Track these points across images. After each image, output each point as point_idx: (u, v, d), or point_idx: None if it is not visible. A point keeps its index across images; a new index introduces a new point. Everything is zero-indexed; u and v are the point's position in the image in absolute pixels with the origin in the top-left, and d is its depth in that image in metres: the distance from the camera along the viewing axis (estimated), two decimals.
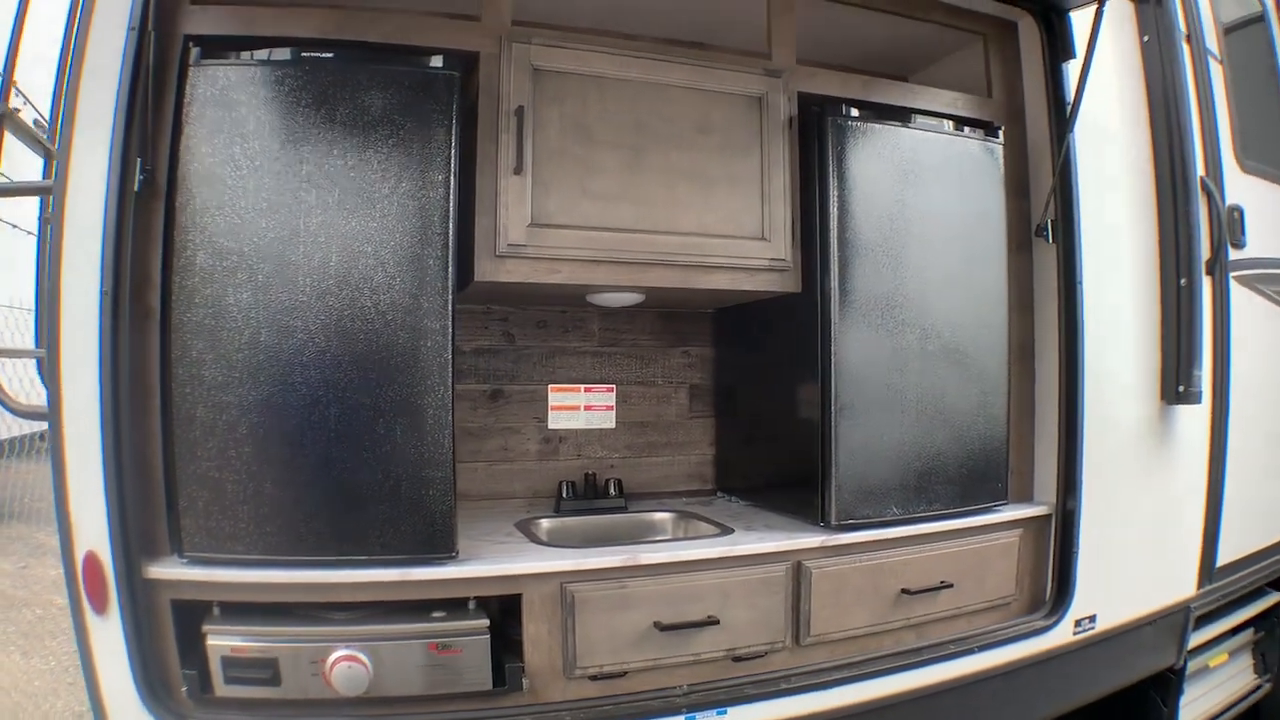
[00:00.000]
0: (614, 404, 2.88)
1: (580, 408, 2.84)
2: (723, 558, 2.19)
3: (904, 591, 2.39)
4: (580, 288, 2.37)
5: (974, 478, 2.53)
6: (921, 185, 2.47)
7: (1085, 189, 2.63)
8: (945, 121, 2.54)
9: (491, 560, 2.02)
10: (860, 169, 2.39)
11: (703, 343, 3.00)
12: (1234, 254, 3.02)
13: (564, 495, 2.70)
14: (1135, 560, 2.80)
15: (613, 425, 2.88)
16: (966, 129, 2.56)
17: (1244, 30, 3.40)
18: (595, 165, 2.23)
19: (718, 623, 2.14)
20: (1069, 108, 2.54)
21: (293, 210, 1.91)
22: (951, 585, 2.45)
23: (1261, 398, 3.21)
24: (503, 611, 2.03)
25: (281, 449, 1.87)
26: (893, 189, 2.43)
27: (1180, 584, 2.96)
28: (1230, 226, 3.00)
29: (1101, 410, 2.66)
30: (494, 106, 2.17)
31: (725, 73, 2.39)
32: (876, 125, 2.42)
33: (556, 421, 2.83)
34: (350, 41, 2.05)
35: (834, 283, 2.35)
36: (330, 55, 1.97)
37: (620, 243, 2.25)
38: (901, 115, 2.49)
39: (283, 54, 1.95)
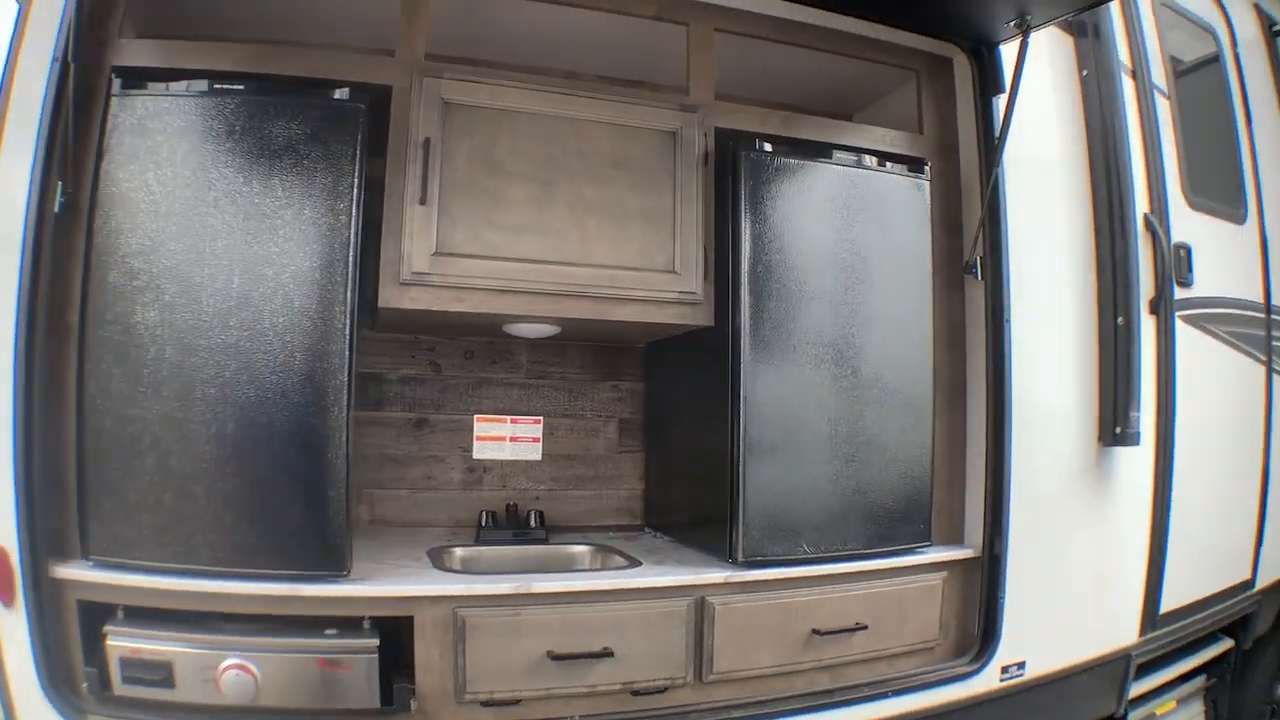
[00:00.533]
0: (540, 436, 2.87)
1: (506, 438, 2.82)
2: (618, 589, 2.16)
3: (815, 632, 2.33)
4: (491, 317, 2.37)
5: (895, 518, 2.48)
6: (843, 221, 2.44)
7: (1019, 225, 2.60)
8: (868, 157, 2.51)
9: (383, 581, 2.03)
10: (776, 204, 2.38)
11: (634, 377, 2.98)
12: (1180, 293, 2.96)
13: (484, 525, 2.68)
14: (1071, 606, 2.73)
15: (539, 457, 2.87)
16: (891, 165, 2.53)
17: (1199, 70, 3.36)
18: (503, 197, 2.25)
19: (612, 655, 2.11)
20: (997, 141, 2.51)
21: (199, 233, 1.97)
22: (866, 627, 2.40)
23: (1211, 439, 3.13)
24: (400, 633, 2.02)
25: (181, 462, 1.91)
26: (811, 225, 2.41)
27: (1121, 631, 2.88)
28: (1176, 264, 2.94)
29: (1035, 451, 2.61)
30: (404, 139, 2.20)
31: (640, 108, 2.39)
32: (793, 160, 2.41)
33: (481, 452, 2.81)
34: (268, 75, 2.10)
35: (744, 317, 2.32)
36: (241, 87, 2.02)
37: (528, 273, 2.25)
38: (821, 151, 2.47)
39: (199, 85, 2.01)
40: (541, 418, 2.89)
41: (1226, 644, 3.41)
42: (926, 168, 2.60)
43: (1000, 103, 2.55)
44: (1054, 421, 2.66)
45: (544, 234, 2.27)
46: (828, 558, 2.38)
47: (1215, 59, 3.31)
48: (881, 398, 2.45)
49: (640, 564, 2.37)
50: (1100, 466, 2.74)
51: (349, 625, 1.97)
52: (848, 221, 2.45)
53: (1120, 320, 2.68)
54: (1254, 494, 3.36)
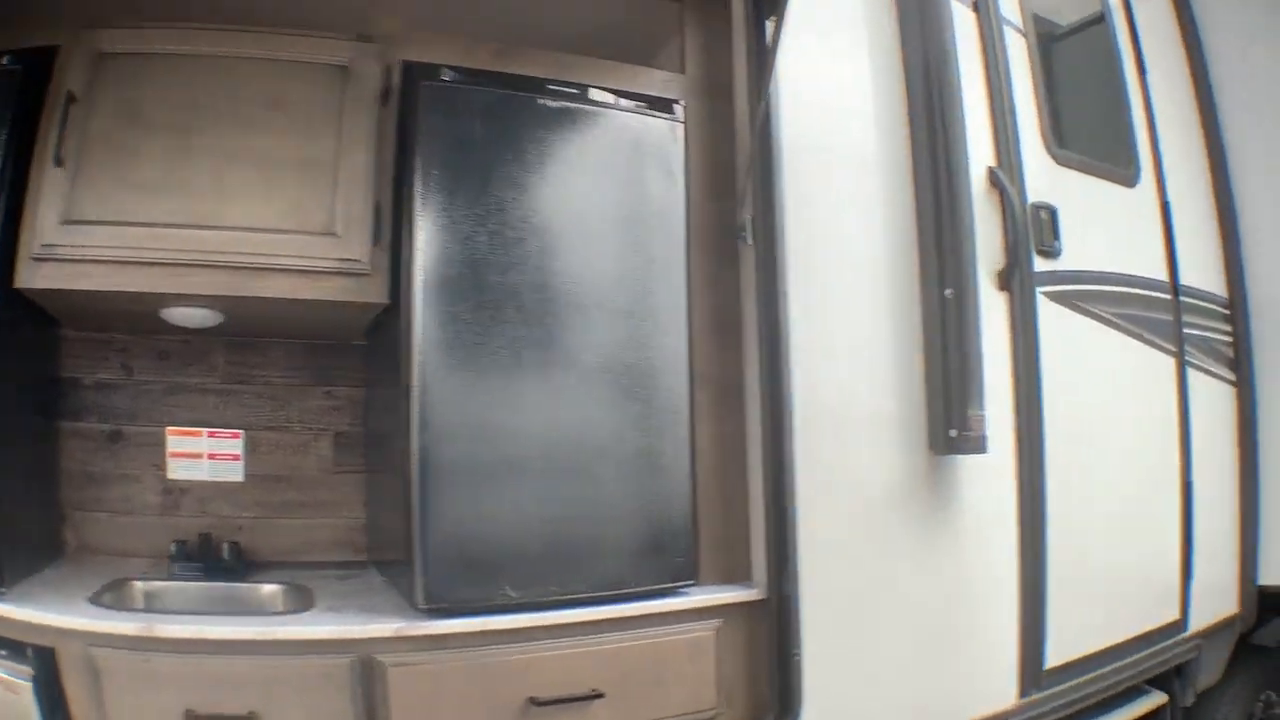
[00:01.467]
0: (241, 453, 2.36)
1: (204, 455, 2.32)
2: (258, 640, 1.70)
3: (534, 702, 1.78)
4: (128, 298, 1.92)
5: (641, 551, 1.94)
6: (562, 172, 1.97)
7: (807, 178, 2.08)
8: (604, 94, 2.02)
9: (32, 606, 1.71)
10: (467, 150, 1.89)
11: (352, 381, 2.43)
12: (1044, 264, 2.39)
13: (174, 556, 2.17)
14: (910, 661, 2.13)
15: (241, 478, 2.35)
16: (631, 104, 2.03)
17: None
18: (141, 151, 1.89)
19: None
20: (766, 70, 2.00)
21: None
22: (602, 695, 1.83)
23: (1107, 446, 2.53)
24: None
25: None
26: (518, 175, 1.91)
27: (990, 692, 2.27)
28: (1036, 229, 2.38)
29: (838, 464, 2.05)
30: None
31: (309, 40, 1.95)
32: (492, 93, 1.92)
33: (176, 470, 2.30)
34: None
35: (418, 294, 1.81)
36: None
37: (152, 239, 1.86)
38: (534, 86, 1.97)
39: None
40: (241, 432, 2.37)
41: (1157, 699, 2.75)
42: (678, 108, 2.09)
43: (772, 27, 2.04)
44: (863, 425, 2.09)
45: (177, 192, 1.87)
46: (543, 604, 1.83)
47: None
48: (615, 398, 1.92)
49: (309, 609, 1.85)
50: (934, 481, 2.16)
51: (15, 649, 1.69)
52: (568, 173, 1.97)
53: (949, 293, 2.12)
54: (1174, 513, 2.74)
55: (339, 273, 1.90)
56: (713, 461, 2.07)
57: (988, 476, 2.25)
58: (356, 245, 1.90)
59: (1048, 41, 2.68)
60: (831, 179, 2.13)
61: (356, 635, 1.71)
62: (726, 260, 2.10)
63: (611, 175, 2.02)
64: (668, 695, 1.91)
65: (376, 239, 1.92)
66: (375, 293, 1.93)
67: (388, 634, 1.72)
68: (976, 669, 2.25)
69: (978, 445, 2.09)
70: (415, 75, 1.92)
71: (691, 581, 1.97)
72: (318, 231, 1.89)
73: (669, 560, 1.95)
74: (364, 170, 1.92)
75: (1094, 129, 2.74)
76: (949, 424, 2.10)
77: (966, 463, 2.18)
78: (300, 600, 1.97)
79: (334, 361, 2.42)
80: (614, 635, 1.87)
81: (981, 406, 2.09)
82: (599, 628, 1.86)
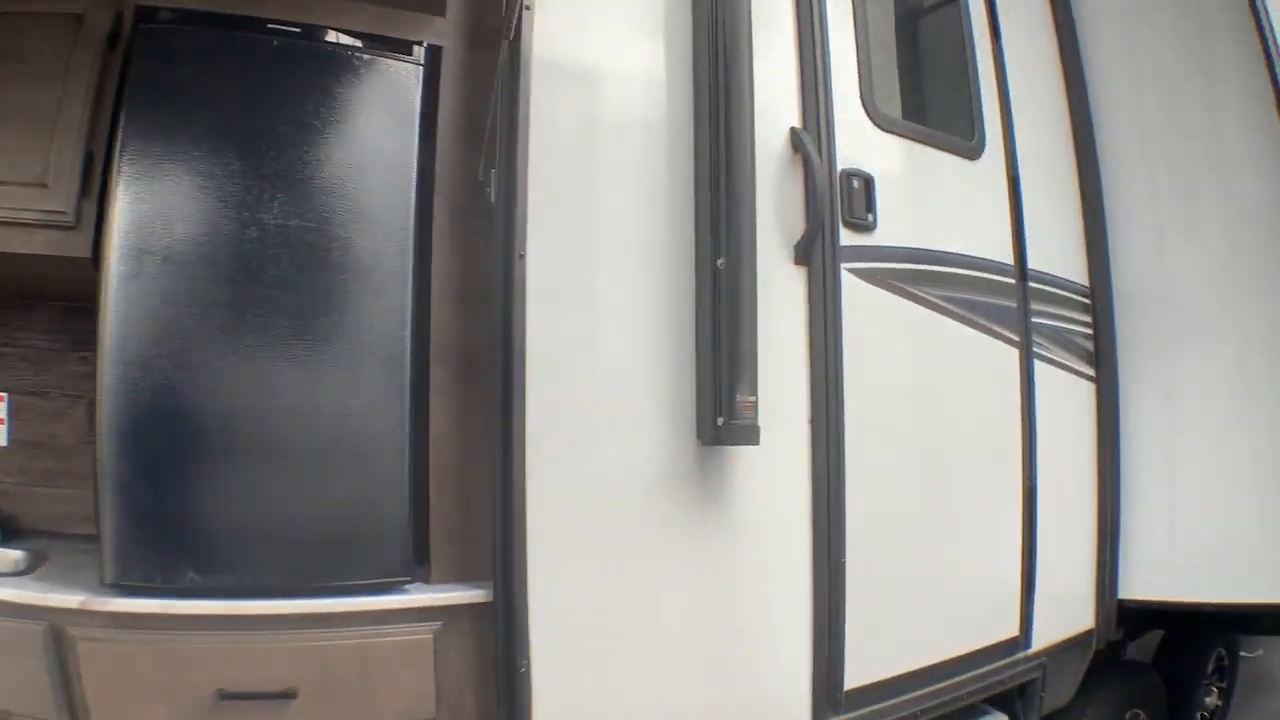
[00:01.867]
0: (5, 417, 2.23)
1: None
2: None
3: (224, 695, 1.58)
4: None
5: (352, 543, 1.70)
6: (279, 120, 1.73)
7: (564, 134, 1.83)
8: (338, 35, 1.80)
9: None
10: (178, 96, 1.69)
11: None
12: (854, 238, 2.16)
13: None
14: (675, 676, 1.89)
15: (5, 443, 2.22)
16: (363, 46, 1.81)
17: None
18: None
19: None
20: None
21: None
22: (294, 695, 1.60)
23: (934, 443, 2.30)
24: None
25: None
26: (229, 123, 1.71)
27: (778, 716, 2.02)
28: (847, 198, 2.14)
29: (586, 452, 1.80)
30: None
31: None
32: (207, 33, 1.72)
33: None
34: None
35: (114, 250, 1.62)
36: None
37: None
38: (255, 27, 1.75)
39: None
40: (5, 394, 2.23)
41: None
42: (418, 49, 1.85)
43: None
44: (620, 410, 1.84)
45: None
46: (234, 591, 1.62)
47: None
48: (329, 373, 1.69)
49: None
50: (706, 476, 1.91)
51: None
52: (288, 119, 1.73)
53: (721, 263, 1.88)
54: (1014, 521, 2.51)
55: (45, 225, 1.78)
56: (448, 444, 1.83)
57: (775, 472, 2.01)
58: (63, 197, 1.77)
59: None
60: (596, 133, 1.89)
61: (41, 603, 1.58)
62: (481, 222, 1.85)
63: (338, 122, 1.78)
64: (377, 701, 1.68)
65: (86, 191, 1.75)
66: (80, 247, 1.76)
67: (73, 605, 1.57)
68: (759, 688, 2.01)
69: (748, 435, 1.85)
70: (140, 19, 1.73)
71: (409, 579, 1.74)
72: (31, 183, 1.77)
73: (386, 554, 1.72)
74: (79, 119, 1.78)
75: (938, 99, 2.51)
76: (717, 410, 1.85)
77: (748, 456, 1.94)
78: (29, 565, 1.78)
79: (90, 325, 2.19)
80: (316, 632, 1.65)
81: (754, 391, 1.85)
82: (296, 622, 1.64)
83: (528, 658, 1.70)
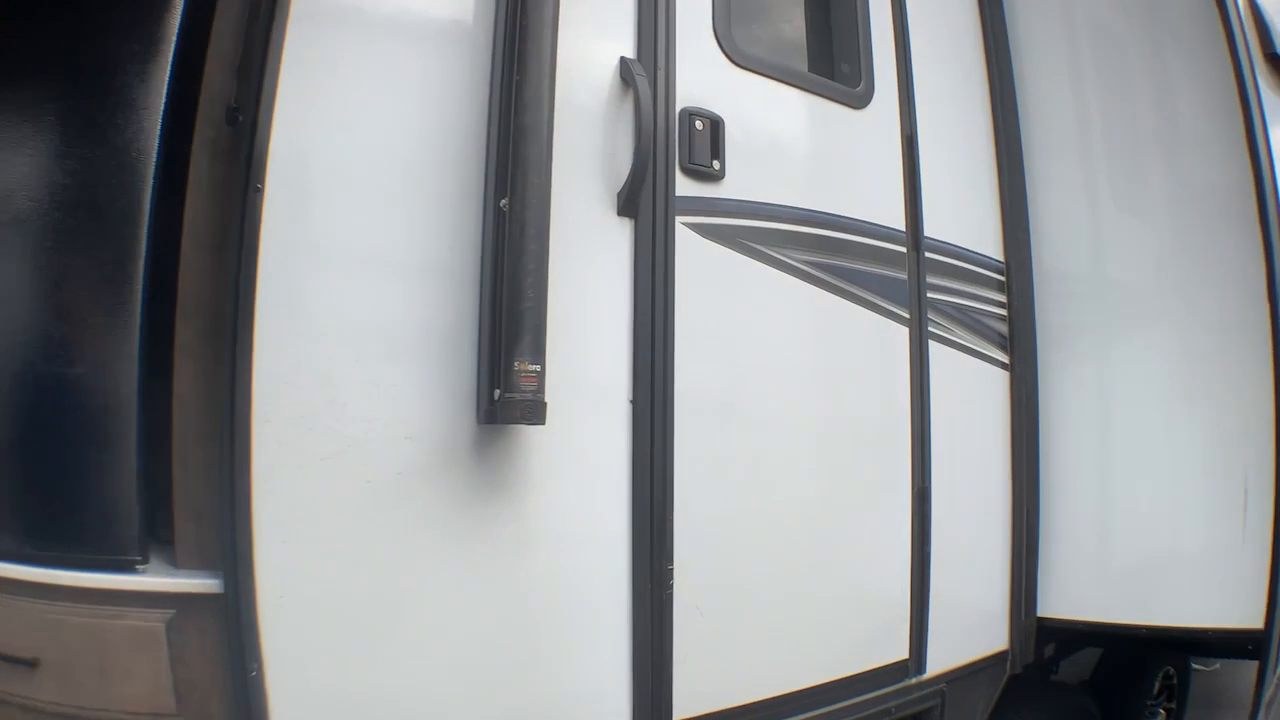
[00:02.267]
0: None
1: None
2: None
3: None
4: None
5: (77, 512, 1.47)
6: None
7: (329, 54, 1.52)
8: None
9: None
10: None
11: None
12: (697, 188, 1.84)
13: None
14: (449, 699, 1.57)
15: None
16: None
17: None
18: None
19: None
20: None
21: None
22: (36, 665, 1.42)
23: (785, 432, 1.97)
24: None
25: None
26: None
27: None
28: (687, 143, 1.82)
29: (331, 429, 1.48)
30: None
31: None
32: None
33: None
34: None
35: None
36: None
37: None
38: None
39: None
40: None
41: None
42: None
43: None
44: (372, 373, 1.52)
45: None
46: None
47: None
48: (42, 327, 1.47)
49: None
50: (481, 462, 1.58)
51: None
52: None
53: (504, 204, 1.57)
54: (901, 527, 2.17)
55: None
56: (199, 413, 1.52)
57: (583, 460, 1.69)
58: None
59: None
60: (370, 52, 1.57)
61: None
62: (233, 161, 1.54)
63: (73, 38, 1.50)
64: (111, 687, 1.43)
65: None
66: None
67: None
68: (563, 712, 1.68)
69: (529, 413, 1.52)
70: None
71: (140, 558, 1.46)
72: None
73: (116, 531, 1.46)
74: None
75: (819, 38, 2.19)
76: (494, 382, 1.53)
77: (546, 439, 1.62)
78: None
79: None
80: (51, 604, 1.44)
81: (539, 359, 1.53)
82: (33, 591, 1.44)
83: (259, 661, 1.39)
